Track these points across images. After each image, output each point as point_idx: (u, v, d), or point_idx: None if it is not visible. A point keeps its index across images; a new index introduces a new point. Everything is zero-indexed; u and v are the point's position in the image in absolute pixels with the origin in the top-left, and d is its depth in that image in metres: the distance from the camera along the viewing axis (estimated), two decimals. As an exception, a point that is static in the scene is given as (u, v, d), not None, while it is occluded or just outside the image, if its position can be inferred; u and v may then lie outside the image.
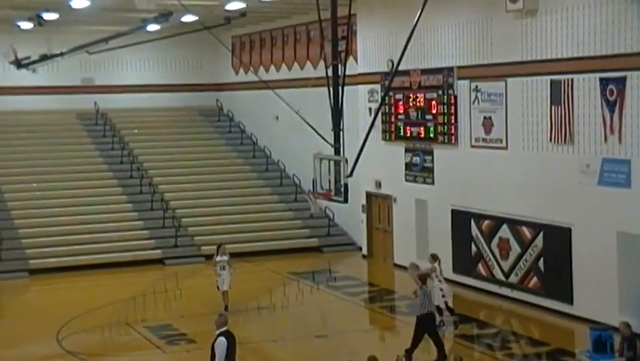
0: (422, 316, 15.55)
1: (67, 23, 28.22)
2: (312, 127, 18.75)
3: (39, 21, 26.49)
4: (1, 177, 28.09)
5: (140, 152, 30.79)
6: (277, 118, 30.05)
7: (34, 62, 27.69)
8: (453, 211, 21.65)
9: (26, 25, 27.98)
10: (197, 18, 25.20)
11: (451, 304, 18.06)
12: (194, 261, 25.60)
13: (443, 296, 17.80)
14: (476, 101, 20.86)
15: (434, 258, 18.24)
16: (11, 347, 17.76)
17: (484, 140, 20.64)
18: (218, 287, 19.66)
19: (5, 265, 24.29)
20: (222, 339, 12.39)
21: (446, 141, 21.85)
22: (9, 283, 23.54)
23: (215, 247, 21.07)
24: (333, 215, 27.59)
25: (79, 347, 17.20)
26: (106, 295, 21.60)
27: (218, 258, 19.79)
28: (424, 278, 16.25)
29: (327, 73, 17.96)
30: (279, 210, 28.50)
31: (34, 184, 28.04)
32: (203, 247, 26.00)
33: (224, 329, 12.60)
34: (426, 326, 15.51)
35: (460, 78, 21.38)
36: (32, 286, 23.90)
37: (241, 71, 33.23)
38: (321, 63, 19.55)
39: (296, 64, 29.79)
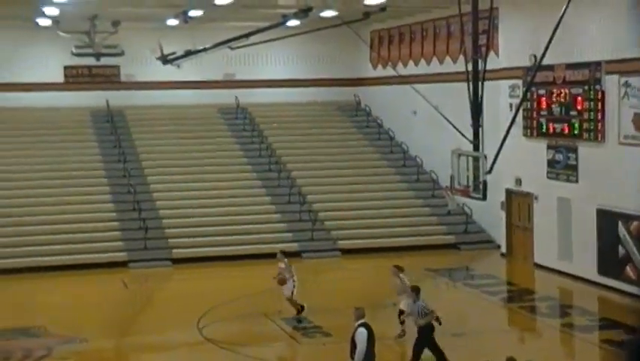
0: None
1: (210, 20, 28.94)
2: (450, 123, 18.48)
3: (185, 18, 27.33)
4: (147, 168, 29.15)
5: (279, 146, 31.22)
6: (415, 113, 29.78)
7: (179, 58, 28.59)
8: (598, 211, 20.81)
9: (173, 22, 28.91)
10: (336, 13, 25.32)
11: None
12: (330, 255, 25.74)
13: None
14: (626, 96, 19.95)
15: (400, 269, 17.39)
16: (155, 333, 18.43)
17: (634, 137, 19.72)
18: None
19: (150, 253, 25.17)
20: (362, 330, 12.48)
21: (592, 138, 21.03)
22: (154, 272, 24.41)
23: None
24: (471, 212, 27.10)
25: (218, 336, 17.60)
26: (243, 286, 22.01)
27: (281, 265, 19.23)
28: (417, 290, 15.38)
29: (466, 68, 17.63)
30: (415, 206, 28.28)
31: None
32: (339, 242, 26.12)
33: (363, 320, 12.63)
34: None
35: (608, 73, 20.51)
36: (175, 275, 24.67)
37: (379, 65, 33.14)
38: (461, 58, 19.22)
39: (435, 58, 29.41)
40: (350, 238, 26.45)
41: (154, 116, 32.20)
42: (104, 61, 29.14)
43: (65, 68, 32.00)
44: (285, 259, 19.24)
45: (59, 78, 32.11)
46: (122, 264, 24.58)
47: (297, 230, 26.73)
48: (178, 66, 29.86)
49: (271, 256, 25.18)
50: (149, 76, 32.32)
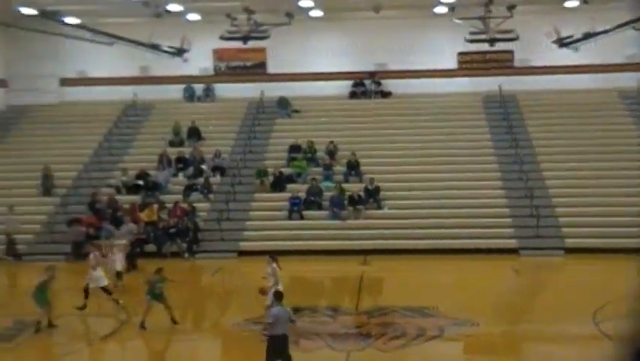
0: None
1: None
2: None
3: (583, -2, 26.18)
4: (541, 155, 28.37)
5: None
6: None
7: (577, 41, 27.53)
8: None
9: (571, 3, 27.88)
10: None
11: None
12: None
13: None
14: None
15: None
16: (547, 324, 17.69)
17: None
18: None
19: (542, 242, 24.48)
20: None
21: None
22: (545, 260, 23.70)
23: None
24: None
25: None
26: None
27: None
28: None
29: None
30: None
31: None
32: None
33: None
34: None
35: None
36: (568, 265, 23.72)
37: None
38: None
39: None
40: None
41: (548, 102, 31.24)
42: (498, 46, 28.92)
43: (459, 54, 32.34)
44: (273, 264, 16.53)
45: (453, 64, 32.55)
46: (513, 251, 24.21)
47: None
48: (576, 49, 28.76)
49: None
50: (543, 60, 31.51)
